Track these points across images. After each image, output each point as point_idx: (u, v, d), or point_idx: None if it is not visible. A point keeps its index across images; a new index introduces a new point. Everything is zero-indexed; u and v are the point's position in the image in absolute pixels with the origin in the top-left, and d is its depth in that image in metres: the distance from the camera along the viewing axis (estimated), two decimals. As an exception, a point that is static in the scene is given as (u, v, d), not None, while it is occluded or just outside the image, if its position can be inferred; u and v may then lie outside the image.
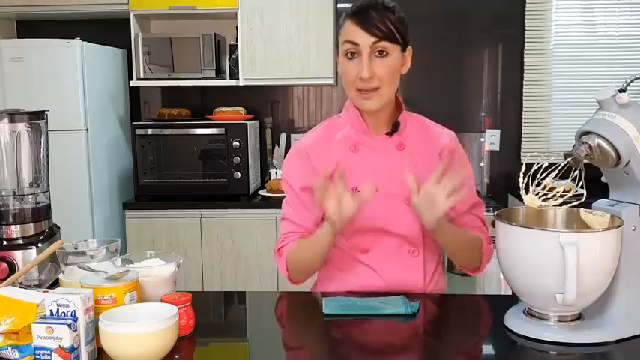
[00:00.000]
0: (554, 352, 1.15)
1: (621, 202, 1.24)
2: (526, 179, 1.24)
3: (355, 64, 1.39)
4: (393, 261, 1.47)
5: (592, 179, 1.25)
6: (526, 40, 3.43)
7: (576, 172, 1.21)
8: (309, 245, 1.45)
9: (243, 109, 3.39)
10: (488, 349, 1.21)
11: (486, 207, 3.04)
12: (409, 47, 1.44)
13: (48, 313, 1.06)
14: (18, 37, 3.58)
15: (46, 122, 1.54)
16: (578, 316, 1.21)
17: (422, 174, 1.45)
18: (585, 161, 1.21)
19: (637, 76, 1.30)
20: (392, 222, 1.45)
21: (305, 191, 1.47)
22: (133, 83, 3.29)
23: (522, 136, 3.49)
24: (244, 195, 3.17)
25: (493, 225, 1.28)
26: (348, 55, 1.40)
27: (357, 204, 1.32)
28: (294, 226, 1.50)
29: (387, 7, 1.39)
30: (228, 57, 3.36)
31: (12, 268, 1.41)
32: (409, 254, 1.48)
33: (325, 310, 1.31)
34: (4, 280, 1.33)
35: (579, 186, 1.22)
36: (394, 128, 1.47)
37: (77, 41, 3.01)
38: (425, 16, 3.40)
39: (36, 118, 1.51)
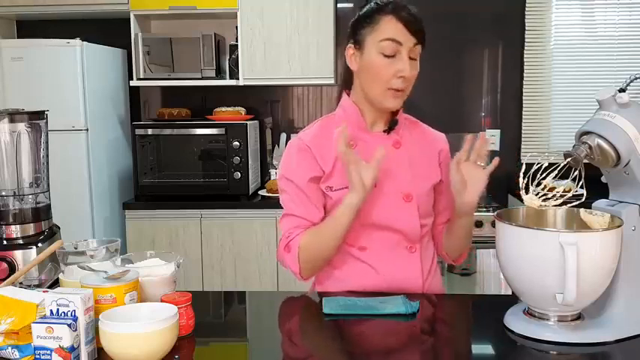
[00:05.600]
0: (554, 352, 1.15)
1: (621, 202, 1.24)
2: (526, 179, 1.24)
3: (392, 62, 1.39)
4: (391, 258, 1.48)
5: (592, 179, 1.25)
6: (526, 40, 3.43)
7: (576, 172, 1.21)
8: (327, 228, 1.42)
9: (243, 109, 3.39)
10: (488, 349, 1.21)
11: (486, 207, 3.06)
12: None
13: (48, 313, 1.06)
14: (18, 37, 3.58)
15: (46, 122, 1.54)
16: (578, 316, 1.21)
17: (418, 172, 1.49)
18: (585, 161, 1.21)
19: (637, 76, 1.29)
20: (390, 218, 1.46)
21: (312, 183, 1.47)
22: (133, 83, 3.29)
23: (522, 136, 3.49)
24: (244, 195, 3.17)
25: (493, 225, 1.28)
26: (386, 52, 1.39)
27: (376, 164, 1.34)
28: (299, 221, 1.47)
29: (415, 13, 1.42)
30: (228, 57, 3.36)
31: (12, 268, 1.41)
32: (407, 250, 1.49)
33: (325, 310, 1.31)
34: (4, 280, 1.33)
35: (579, 186, 1.22)
36: (391, 125, 1.49)
37: (77, 41, 3.01)
38: (425, 16, 3.38)
39: (36, 118, 1.51)
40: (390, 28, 1.38)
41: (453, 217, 1.50)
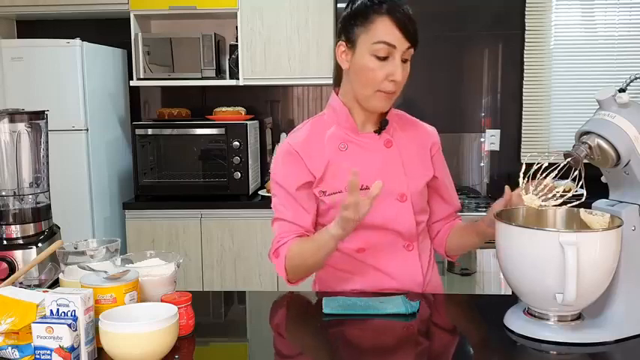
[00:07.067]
0: (554, 352, 1.15)
1: (621, 202, 1.24)
2: (526, 179, 1.24)
3: (385, 65, 1.35)
4: (390, 257, 1.48)
5: (592, 179, 1.25)
6: (526, 40, 3.43)
7: (576, 172, 1.21)
8: (313, 249, 1.40)
9: (243, 109, 3.39)
10: (488, 349, 1.21)
11: (486, 207, 3.06)
12: None
13: (48, 313, 1.06)
14: (18, 37, 3.58)
15: (46, 122, 1.54)
16: (578, 316, 1.21)
17: (412, 170, 1.48)
18: (585, 161, 1.21)
19: (637, 76, 1.29)
20: (386, 218, 1.45)
21: (302, 189, 1.46)
22: (133, 83, 3.29)
23: (522, 136, 3.49)
24: (244, 195, 3.17)
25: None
26: (379, 55, 1.34)
27: (371, 201, 1.26)
28: (289, 226, 1.47)
29: (410, 13, 1.37)
30: (228, 57, 3.36)
31: (12, 268, 1.41)
32: (404, 249, 1.49)
33: (325, 310, 1.31)
34: (4, 280, 1.33)
35: (579, 186, 1.22)
36: (382, 126, 1.47)
37: (77, 41, 3.01)
38: (425, 15, 3.38)
39: (36, 118, 1.51)
40: (384, 30, 1.33)
41: (472, 233, 1.50)
